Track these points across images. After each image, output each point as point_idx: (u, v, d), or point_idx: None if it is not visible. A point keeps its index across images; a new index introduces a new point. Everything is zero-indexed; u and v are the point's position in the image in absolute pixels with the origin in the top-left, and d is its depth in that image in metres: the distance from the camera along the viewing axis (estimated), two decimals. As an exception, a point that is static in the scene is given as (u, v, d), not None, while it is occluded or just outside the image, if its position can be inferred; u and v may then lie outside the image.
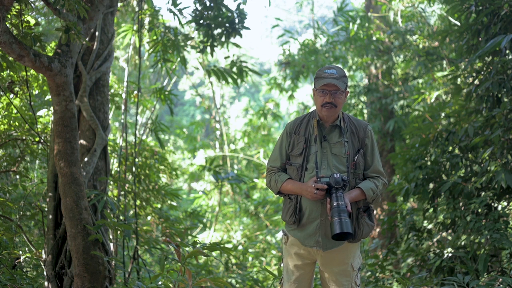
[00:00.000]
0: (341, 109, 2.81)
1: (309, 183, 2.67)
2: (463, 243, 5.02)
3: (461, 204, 5.00)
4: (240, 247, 9.38)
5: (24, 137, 5.45)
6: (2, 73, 4.85)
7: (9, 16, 3.93)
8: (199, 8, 5.80)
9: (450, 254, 4.77)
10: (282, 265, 3.02)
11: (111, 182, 6.02)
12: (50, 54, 4.25)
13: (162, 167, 7.47)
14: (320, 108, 2.75)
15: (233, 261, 8.64)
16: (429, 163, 5.49)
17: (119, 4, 6.52)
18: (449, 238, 5.98)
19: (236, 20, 5.78)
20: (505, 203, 4.93)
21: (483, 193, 4.81)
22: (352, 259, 2.80)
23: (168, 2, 5.83)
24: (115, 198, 6.04)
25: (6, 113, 5.47)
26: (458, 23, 6.50)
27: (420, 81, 9.22)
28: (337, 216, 2.49)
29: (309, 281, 2.91)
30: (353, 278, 2.80)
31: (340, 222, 2.47)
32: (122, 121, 6.19)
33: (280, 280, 3.03)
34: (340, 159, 2.75)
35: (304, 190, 2.68)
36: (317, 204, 2.72)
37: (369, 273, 5.54)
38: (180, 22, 6.10)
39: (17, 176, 6.02)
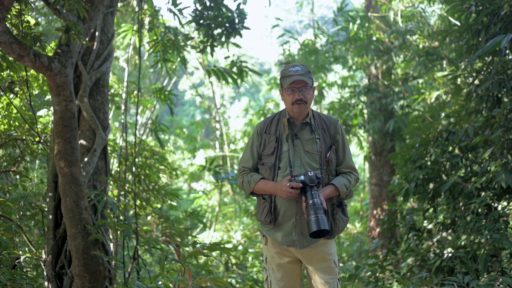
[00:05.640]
0: (310, 106, 2.84)
1: (283, 182, 2.67)
2: (463, 243, 5.02)
3: (461, 204, 5.00)
4: (240, 247, 9.38)
5: (24, 137, 5.45)
6: (2, 73, 4.85)
7: (9, 16, 3.93)
8: (199, 8, 5.79)
9: (450, 254, 4.76)
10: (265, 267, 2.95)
11: (111, 182, 6.02)
12: (50, 54, 4.25)
13: (162, 167, 7.47)
14: (291, 106, 2.77)
15: (233, 261, 8.63)
16: (429, 163, 5.48)
17: (119, 4, 6.52)
18: (449, 238, 5.97)
19: (236, 20, 5.78)
20: (505, 203, 4.93)
21: (483, 193, 4.80)
22: (333, 255, 2.82)
23: (168, 2, 5.83)
24: (115, 198, 6.04)
25: (6, 113, 5.47)
26: (458, 23, 6.50)
27: (420, 81, 9.21)
28: (314, 214, 2.51)
29: (297, 280, 2.90)
30: (336, 274, 2.82)
31: (317, 219, 2.49)
32: (122, 121, 6.19)
33: (265, 278, 2.94)
34: (313, 156, 2.76)
35: (279, 190, 2.68)
36: (292, 202, 2.73)
37: (369, 273, 5.53)
38: (180, 22, 6.09)
39: (17, 176, 6.02)
